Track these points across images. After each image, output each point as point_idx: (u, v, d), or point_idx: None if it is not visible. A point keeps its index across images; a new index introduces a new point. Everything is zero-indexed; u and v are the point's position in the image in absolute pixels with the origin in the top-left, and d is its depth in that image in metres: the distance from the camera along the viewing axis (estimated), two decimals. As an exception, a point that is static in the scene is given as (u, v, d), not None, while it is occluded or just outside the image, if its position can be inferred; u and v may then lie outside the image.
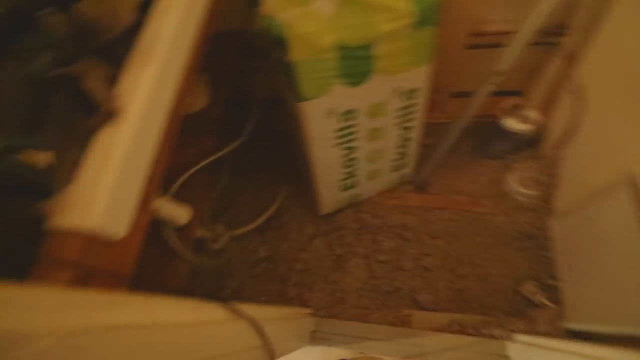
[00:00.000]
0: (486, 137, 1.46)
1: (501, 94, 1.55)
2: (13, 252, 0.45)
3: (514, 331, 1.13)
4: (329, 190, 1.26)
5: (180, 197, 1.01)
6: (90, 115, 0.52)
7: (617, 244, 0.83)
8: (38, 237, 0.47)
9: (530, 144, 1.41)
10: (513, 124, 1.31)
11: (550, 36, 1.26)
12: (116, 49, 0.61)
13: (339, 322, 1.27)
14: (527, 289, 1.20)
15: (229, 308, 0.61)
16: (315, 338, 1.24)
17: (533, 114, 1.31)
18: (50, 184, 0.47)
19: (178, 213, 0.94)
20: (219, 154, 1.08)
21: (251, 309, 0.67)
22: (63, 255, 0.46)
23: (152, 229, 0.91)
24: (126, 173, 0.53)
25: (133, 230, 0.57)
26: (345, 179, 1.24)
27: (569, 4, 1.16)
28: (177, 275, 0.93)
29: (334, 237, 1.41)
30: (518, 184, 1.31)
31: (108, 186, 0.50)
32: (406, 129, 1.17)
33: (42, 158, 0.47)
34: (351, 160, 1.17)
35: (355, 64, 0.89)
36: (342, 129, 1.04)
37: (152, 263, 0.92)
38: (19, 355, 0.25)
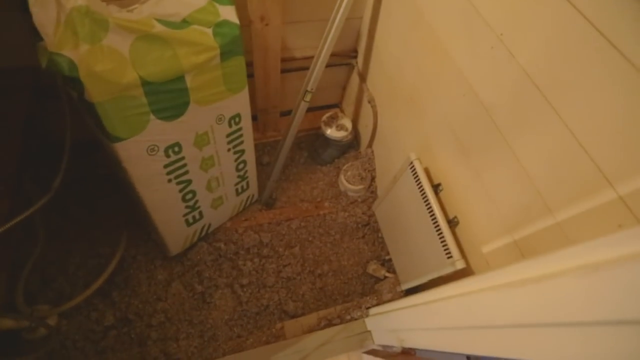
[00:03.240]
0: (316, 147, 1.65)
1: (323, 107, 1.78)
2: None
3: (368, 308, 1.30)
4: (173, 228, 1.19)
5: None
6: None
7: (410, 210, 1.07)
8: None
9: (350, 147, 1.67)
10: (332, 132, 1.52)
11: (346, 58, 1.53)
12: None
13: (213, 362, 1.20)
14: (371, 268, 1.40)
15: None
16: (191, 390, 1.14)
17: (346, 122, 1.55)
18: None
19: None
20: (12, 222, 0.87)
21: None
22: None
23: None
24: None
25: None
26: (188, 213, 1.19)
27: (353, 33, 1.44)
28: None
29: (192, 275, 1.34)
30: (347, 182, 1.52)
31: None
32: (238, 152, 1.22)
33: None
34: (189, 192, 1.13)
35: (167, 97, 0.88)
36: (170, 164, 1.00)
37: None
38: None
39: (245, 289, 1.34)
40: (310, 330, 1.30)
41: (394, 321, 1.02)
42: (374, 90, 1.41)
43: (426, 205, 0.96)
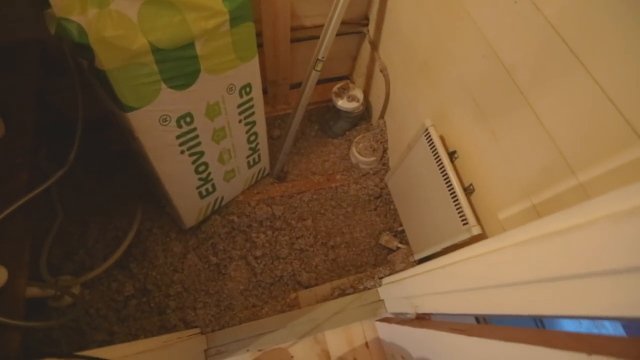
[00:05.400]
0: (327, 119, 1.63)
1: (333, 79, 1.74)
2: None
3: (381, 277, 1.31)
4: (187, 201, 1.20)
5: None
6: None
7: (425, 179, 1.05)
8: None
9: (362, 119, 1.64)
10: (343, 104, 1.49)
11: (357, 26, 1.48)
12: None
13: (230, 329, 1.24)
14: (384, 239, 1.41)
15: (66, 356, 0.53)
16: (210, 355, 1.18)
17: (357, 93, 1.52)
18: None
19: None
20: (33, 193, 0.89)
21: (107, 350, 0.60)
22: None
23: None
24: None
25: None
26: (201, 186, 1.20)
27: (364, -1, 1.38)
28: (6, 348, 0.75)
29: (206, 247, 1.36)
30: (359, 154, 1.50)
31: None
32: (249, 124, 1.20)
33: None
34: (202, 164, 1.13)
35: (178, 65, 0.87)
36: (182, 135, 1.00)
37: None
38: None
39: (259, 261, 1.36)
40: (324, 299, 1.32)
41: (408, 288, 1.03)
42: (386, 58, 1.37)
43: (442, 172, 0.94)
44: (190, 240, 1.37)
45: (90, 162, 1.42)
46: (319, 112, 1.72)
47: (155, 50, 0.80)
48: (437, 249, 1.06)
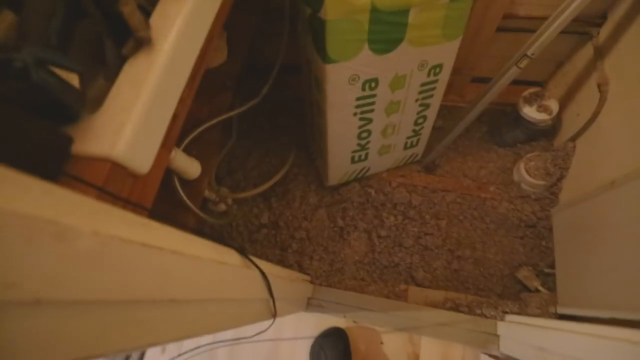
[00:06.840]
0: (500, 125, 1.45)
1: (521, 82, 1.53)
2: (36, 171, 0.44)
3: (505, 312, 1.16)
4: (339, 161, 1.25)
5: (190, 152, 1.00)
6: (123, 41, 0.50)
7: (625, 232, 0.84)
8: (62, 159, 0.46)
9: (543, 134, 1.41)
10: (531, 112, 1.29)
11: (584, 25, 1.23)
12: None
13: (335, 290, 1.29)
14: (522, 274, 1.22)
15: (243, 254, 0.61)
16: (311, 305, 1.26)
17: (552, 104, 1.29)
18: (79, 106, 0.46)
19: (189, 166, 0.93)
20: (232, 113, 1.06)
21: (261, 262, 0.68)
22: (87, 178, 0.46)
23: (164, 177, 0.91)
24: (155, 106, 0.51)
25: (154, 167, 0.56)
26: (357, 151, 1.23)
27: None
28: (185, 225, 0.93)
29: (338, 209, 1.42)
30: (527, 173, 1.31)
31: (137, 117, 0.49)
32: (424, 105, 1.16)
33: (72, 78, 0.45)
34: (366, 131, 1.15)
35: (386, 29, 0.87)
36: (362, 98, 1.02)
37: (162, 210, 0.91)
38: (63, 248, 0.25)
39: (381, 240, 1.35)
40: (433, 305, 1.25)
41: (544, 339, 0.88)
42: (612, 71, 1.11)
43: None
44: (326, 197, 1.45)
45: (268, 100, 1.61)
46: (493, 114, 1.54)
47: (374, 9, 0.82)
48: (602, 315, 0.86)
